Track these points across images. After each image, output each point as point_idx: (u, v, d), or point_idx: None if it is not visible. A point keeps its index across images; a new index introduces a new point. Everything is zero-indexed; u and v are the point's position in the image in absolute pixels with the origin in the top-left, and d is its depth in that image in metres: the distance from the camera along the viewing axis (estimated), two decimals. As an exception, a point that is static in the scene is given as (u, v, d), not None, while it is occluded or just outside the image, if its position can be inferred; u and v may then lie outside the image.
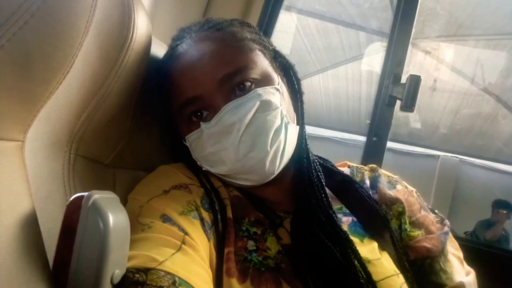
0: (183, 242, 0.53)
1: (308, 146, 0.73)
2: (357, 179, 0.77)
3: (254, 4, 1.19)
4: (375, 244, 0.66)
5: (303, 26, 4.15)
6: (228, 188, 0.68)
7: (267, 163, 0.63)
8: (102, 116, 0.61)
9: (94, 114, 0.60)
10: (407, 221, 0.72)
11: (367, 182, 0.77)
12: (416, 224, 0.72)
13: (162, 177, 0.65)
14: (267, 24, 1.25)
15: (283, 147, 0.64)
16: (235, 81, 0.63)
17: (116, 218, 0.46)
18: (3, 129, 0.43)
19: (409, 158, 5.66)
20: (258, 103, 0.62)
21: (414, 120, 5.13)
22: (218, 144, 0.63)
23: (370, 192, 0.75)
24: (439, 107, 4.84)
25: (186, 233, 0.55)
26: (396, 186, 0.77)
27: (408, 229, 0.71)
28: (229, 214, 0.63)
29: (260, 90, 0.63)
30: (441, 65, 4.31)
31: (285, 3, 1.33)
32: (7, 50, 0.39)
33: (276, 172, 0.65)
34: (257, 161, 0.62)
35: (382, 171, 0.81)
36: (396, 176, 0.81)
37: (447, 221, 0.74)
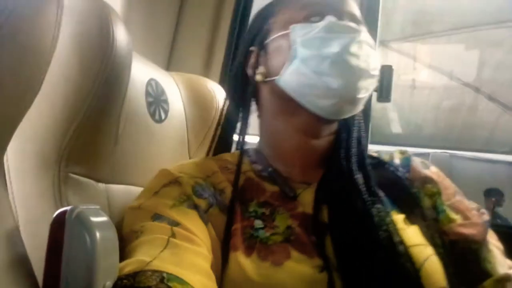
0: (172, 235, 0.53)
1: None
2: (386, 160, 0.77)
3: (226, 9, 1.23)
4: (401, 216, 0.65)
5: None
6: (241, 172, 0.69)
7: (362, 79, 0.64)
8: (89, 130, 0.61)
9: (80, 130, 0.60)
10: (444, 204, 0.71)
11: (397, 161, 0.76)
12: (452, 208, 0.71)
13: (153, 180, 0.66)
14: (240, 22, 1.28)
15: (369, 88, 0.66)
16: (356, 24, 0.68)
17: (101, 228, 0.46)
18: (-22, 151, 0.43)
19: (400, 159, 5.68)
20: (371, 42, 0.67)
21: (399, 120, 5.18)
22: (338, 34, 0.64)
23: (401, 170, 0.74)
24: (422, 105, 4.90)
25: (177, 224, 0.55)
26: (430, 168, 0.77)
27: (446, 211, 0.70)
28: (234, 196, 0.64)
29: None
30: (417, 64, 4.38)
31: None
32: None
33: (357, 102, 0.65)
34: (359, 67, 0.63)
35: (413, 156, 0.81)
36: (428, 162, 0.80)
37: (484, 210, 0.72)
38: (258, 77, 0.71)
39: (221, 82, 1.19)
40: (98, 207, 0.49)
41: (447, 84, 4.67)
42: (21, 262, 0.44)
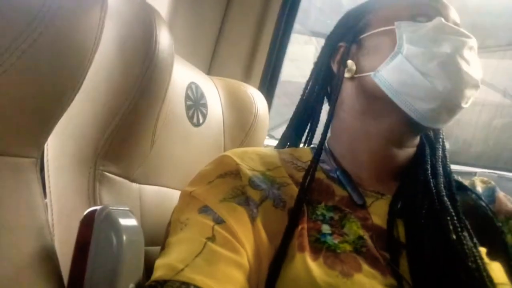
0: (212, 237, 0.52)
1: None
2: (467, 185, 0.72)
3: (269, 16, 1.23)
4: (483, 249, 0.60)
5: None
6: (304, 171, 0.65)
7: (467, 87, 0.60)
8: (127, 131, 0.63)
9: (118, 129, 0.61)
10: None
11: (479, 189, 0.72)
12: None
13: (212, 166, 0.63)
14: (283, 30, 1.27)
15: (471, 99, 0.63)
16: None
17: (129, 231, 0.46)
18: (17, 146, 0.44)
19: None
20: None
21: (446, 137, 4.98)
22: (449, 35, 0.62)
23: (483, 200, 0.69)
24: (472, 122, 4.70)
25: (222, 221, 0.54)
26: None
27: None
28: (300, 194, 0.60)
29: None
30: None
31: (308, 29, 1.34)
32: (17, 68, 0.40)
33: (460, 103, 0.61)
34: (465, 73, 0.60)
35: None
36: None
37: None
38: (347, 74, 0.68)
39: (261, 88, 1.19)
40: (127, 208, 0.49)
41: (500, 102, 4.43)
42: (49, 258, 0.45)
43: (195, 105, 0.83)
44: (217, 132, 0.91)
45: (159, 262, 0.50)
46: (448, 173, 0.66)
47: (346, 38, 0.70)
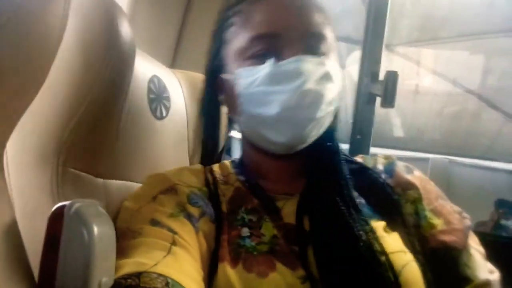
0: (173, 243, 0.54)
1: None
2: (369, 165, 0.76)
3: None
4: (382, 223, 0.65)
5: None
6: (228, 184, 0.70)
7: (308, 128, 0.63)
8: (90, 126, 0.61)
9: (81, 124, 0.60)
10: (426, 209, 0.71)
11: (380, 167, 0.76)
12: (434, 213, 0.71)
13: (151, 184, 0.66)
14: None
15: (325, 122, 0.66)
16: (313, 44, 0.64)
17: (100, 224, 0.46)
18: (-21, 143, 0.43)
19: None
20: (327, 70, 0.63)
21: (401, 125, 5.16)
22: (278, 86, 0.62)
23: (383, 176, 0.74)
24: (424, 111, 4.89)
25: (175, 233, 0.55)
26: (414, 172, 0.77)
27: (428, 216, 0.70)
28: (224, 208, 0.65)
29: (331, 62, 0.65)
30: (421, 69, 4.37)
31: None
32: (-22, 62, 0.39)
33: (307, 142, 0.65)
34: (302, 119, 0.62)
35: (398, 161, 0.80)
36: (412, 166, 0.80)
37: (466, 214, 0.72)
38: (223, 106, 0.74)
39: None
40: (97, 202, 0.49)
41: (451, 91, 4.64)
42: (18, 256, 0.44)
43: (158, 98, 0.83)
44: (181, 125, 0.91)
45: (123, 262, 0.50)
46: (338, 161, 0.70)
47: (218, 71, 0.73)
